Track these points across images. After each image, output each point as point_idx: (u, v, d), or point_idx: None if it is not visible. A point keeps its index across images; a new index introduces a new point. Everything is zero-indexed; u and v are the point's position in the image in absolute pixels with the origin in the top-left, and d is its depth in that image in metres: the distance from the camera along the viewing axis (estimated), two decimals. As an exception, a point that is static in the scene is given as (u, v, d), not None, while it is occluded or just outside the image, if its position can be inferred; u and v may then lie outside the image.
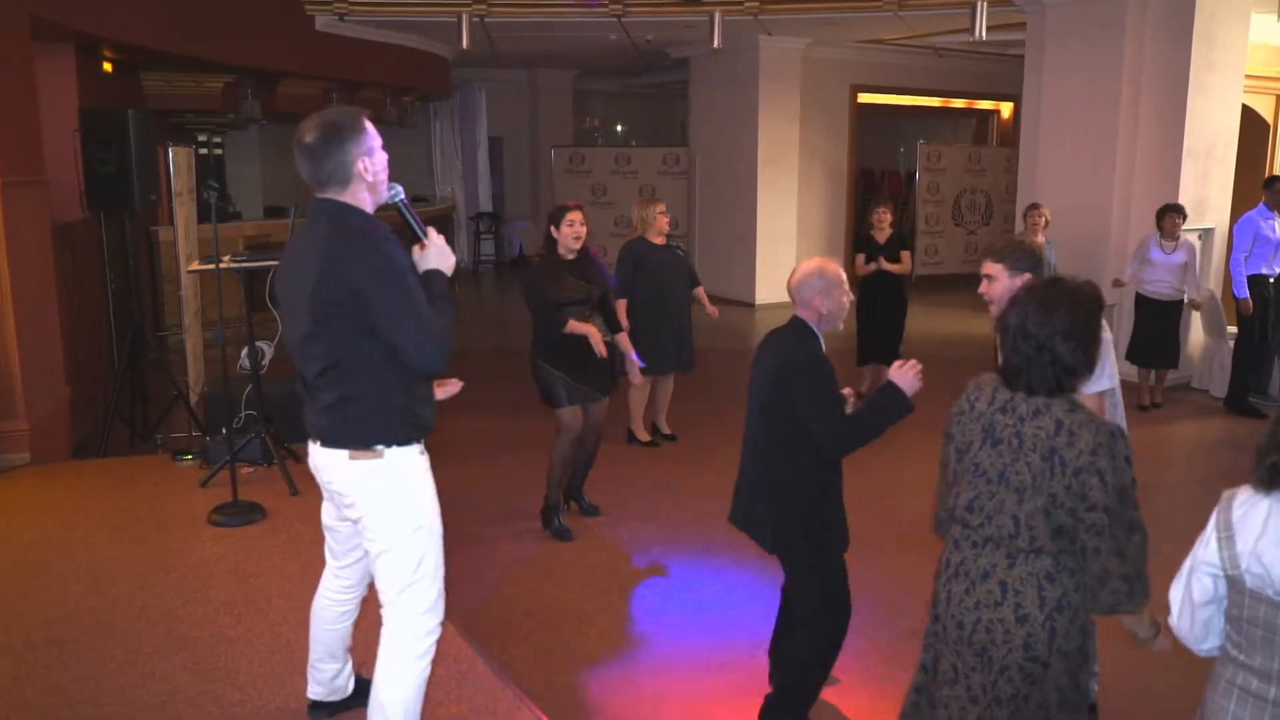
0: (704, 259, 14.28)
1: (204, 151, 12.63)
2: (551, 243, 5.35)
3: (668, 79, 17.28)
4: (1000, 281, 3.20)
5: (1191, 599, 2.10)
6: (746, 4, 10.35)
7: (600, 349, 5.29)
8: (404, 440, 2.91)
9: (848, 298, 3.37)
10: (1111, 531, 2.28)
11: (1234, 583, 2.02)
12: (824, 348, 3.35)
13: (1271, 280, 8.02)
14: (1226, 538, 2.01)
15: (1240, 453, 7.24)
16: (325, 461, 2.94)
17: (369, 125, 2.91)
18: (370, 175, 2.88)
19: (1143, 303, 8.01)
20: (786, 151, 13.51)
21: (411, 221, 3.02)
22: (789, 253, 13.75)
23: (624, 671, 4.06)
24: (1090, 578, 2.34)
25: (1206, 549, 2.06)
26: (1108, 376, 3.34)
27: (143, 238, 9.69)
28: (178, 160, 7.26)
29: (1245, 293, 7.96)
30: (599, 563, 5.16)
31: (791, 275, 3.42)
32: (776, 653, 3.74)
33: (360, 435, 2.87)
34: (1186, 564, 2.13)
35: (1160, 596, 2.25)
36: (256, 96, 11.12)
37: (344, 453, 2.88)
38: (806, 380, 3.24)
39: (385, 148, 2.97)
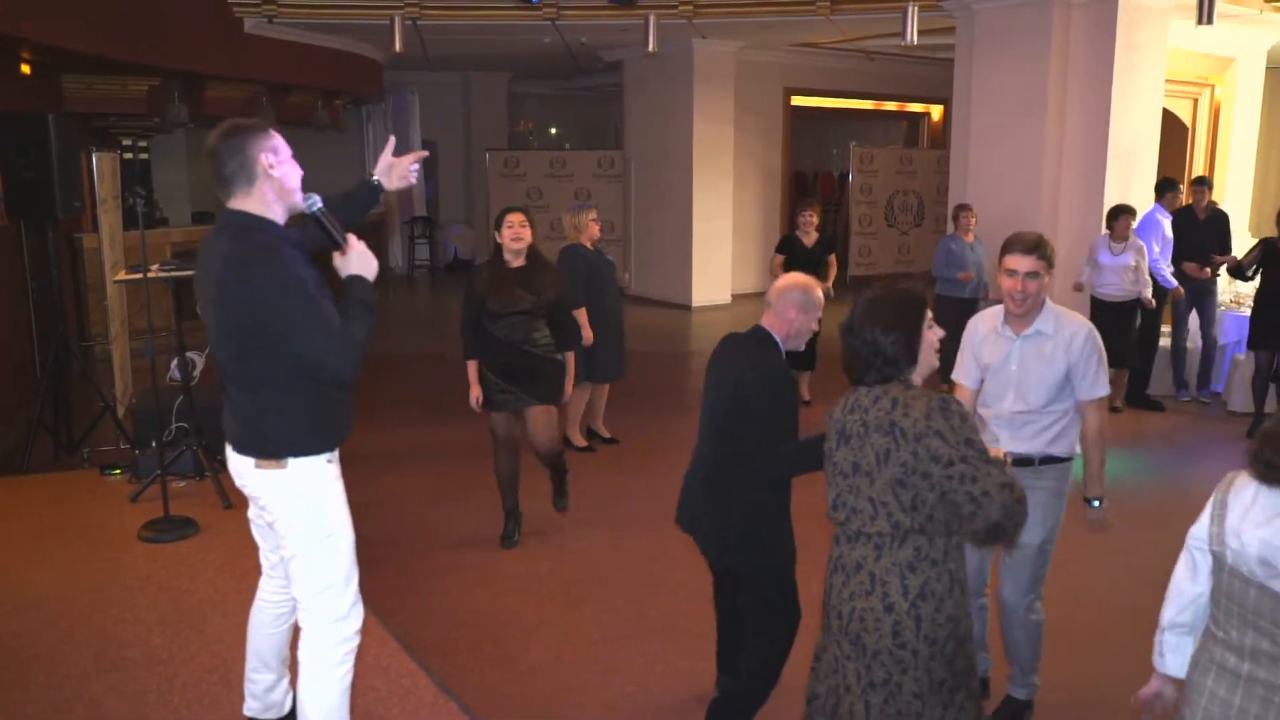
0: (640, 262, 14.28)
1: (129, 156, 12.32)
2: (498, 248, 5.17)
3: (601, 82, 17.28)
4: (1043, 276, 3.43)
5: (1177, 583, 2.33)
6: (681, 7, 10.38)
7: (474, 401, 5.12)
8: (311, 451, 2.95)
9: (817, 325, 3.35)
10: (985, 471, 2.38)
11: (1217, 559, 2.20)
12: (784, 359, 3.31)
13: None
14: (1220, 515, 2.19)
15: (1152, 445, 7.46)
16: (239, 466, 3.03)
17: (277, 135, 2.92)
18: (278, 172, 2.87)
19: (1096, 305, 8.04)
20: (721, 154, 13.58)
21: (330, 230, 3.01)
22: (724, 255, 13.84)
23: (569, 681, 4.03)
24: (987, 525, 2.38)
25: (1199, 524, 2.26)
26: (1102, 385, 3.50)
27: (65, 245, 9.43)
28: (101, 166, 7.08)
29: (1174, 282, 8.34)
30: (542, 570, 5.12)
31: (777, 282, 3.36)
32: (723, 660, 3.73)
33: (266, 446, 2.93)
34: (1183, 555, 2.34)
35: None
36: (183, 100, 10.85)
37: (251, 460, 2.95)
38: (766, 392, 3.17)
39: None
